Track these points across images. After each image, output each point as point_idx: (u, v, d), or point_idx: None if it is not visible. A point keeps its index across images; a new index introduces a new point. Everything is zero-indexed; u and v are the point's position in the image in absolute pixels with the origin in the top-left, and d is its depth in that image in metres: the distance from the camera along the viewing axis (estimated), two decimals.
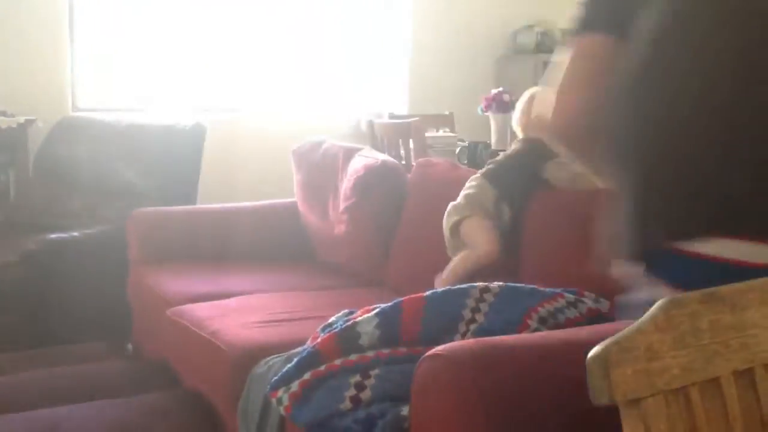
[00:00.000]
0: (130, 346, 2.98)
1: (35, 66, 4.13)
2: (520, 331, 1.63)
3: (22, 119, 3.79)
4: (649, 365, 0.85)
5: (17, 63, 4.09)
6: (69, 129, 3.78)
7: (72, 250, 3.07)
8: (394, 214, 2.80)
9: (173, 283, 2.73)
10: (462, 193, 2.28)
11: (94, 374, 2.48)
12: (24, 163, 3.84)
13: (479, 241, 2.17)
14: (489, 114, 3.57)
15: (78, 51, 4.38)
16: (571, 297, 1.72)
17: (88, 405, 2.22)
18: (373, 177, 2.87)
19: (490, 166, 2.28)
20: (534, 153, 2.15)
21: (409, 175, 2.89)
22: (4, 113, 3.82)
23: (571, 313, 1.67)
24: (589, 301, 1.73)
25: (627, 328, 0.87)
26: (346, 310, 1.96)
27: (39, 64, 4.15)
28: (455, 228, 2.25)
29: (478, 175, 2.29)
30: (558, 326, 1.64)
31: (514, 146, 2.35)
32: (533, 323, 1.64)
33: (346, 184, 2.97)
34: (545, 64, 5.09)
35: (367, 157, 2.98)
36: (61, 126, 3.81)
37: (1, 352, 2.77)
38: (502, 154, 2.33)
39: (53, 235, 3.10)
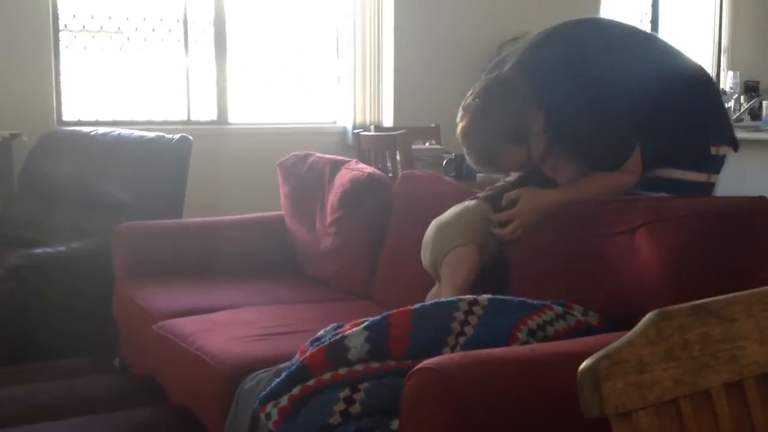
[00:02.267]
0: (116, 361, 2.95)
1: (20, 80, 4.12)
2: (509, 344, 1.63)
3: (6, 133, 3.78)
4: (640, 378, 0.86)
5: (1, 78, 4.07)
6: (54, 143, 3.76)
7: (57, 265, 3.05)
8: (381, 226, 2.80)
9: (159, 297, 2.71)
10: (457, 216, 2.19)
11: (80, 390, 2.45)
12: (8, 178, 3.82)
13: (460, 274, 2.09)
14: None
15: (62, 65, 4.37)
16: (560, 309, 1.72)
17: (73, 421, 2.20)
18: (360, 190, 2.87)
19: (490, 192, 2.23)
20: (535, 178, 2.16)
21: (396, 188, 2.89)
22: None
23: (560, 326, 1.68)
24: (577, 314, 1.73)
25: (617, 341, 0.87)
26: (335, 324, 1.95)
27: (23, 79, 4.14)
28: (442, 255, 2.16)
29: (478, 199, 2.21)
30: (547, 339, 1.64)
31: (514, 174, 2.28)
32: (522, 336, 1.64)
33: (332, 197, 2.96)
34: None
35: (354, 169, 2.98)
36: (46, 140, 3.79)
37: None
38: (501, 180, 2.29)
39: (38, 250, 3.07)
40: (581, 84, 2.02)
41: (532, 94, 2.04)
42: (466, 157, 2.16)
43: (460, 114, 2.12)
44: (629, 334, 0.88)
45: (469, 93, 2.12)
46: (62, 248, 3.12)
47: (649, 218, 1.78)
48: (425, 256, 2.24)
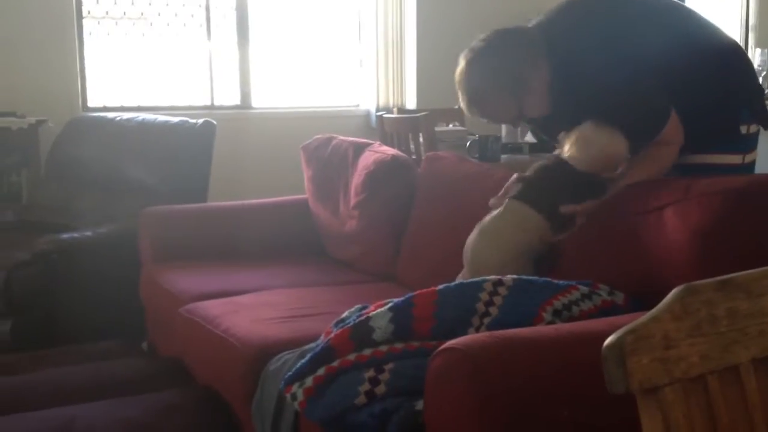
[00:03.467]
0: (144, 344, 2.98)
1: (45, 67, 4.15)
2: (534, 324, 1.62)
3: (33, 120, 3.81)
4: (666, 353, 0.85)
5: (27, 65, 4.11)
6: (80, 129, 3.79)
7: (85, 250, 3.08)
8: (405, 209, 2.80)
9: (185, 280, 2.73)
10: (500, 229, 1.99)
11: (109, 372, 2.49)
12: (36, 164, 3.86)
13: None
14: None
15: (86, 52, 4.40)
16: (585, 289, 1.71)
17: (103, 403, 2.23)
18: (383, 172, 2.86)
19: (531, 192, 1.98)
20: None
21: (420, 170, 2.88)
22: (14, 114, 3.83)
23: (586, 305, 1.66)
24: (603, 293, 1.72)
25: (643, 316, 0.86)
26: (359, 306, 1.95)
27: (49, 66, 4.17)
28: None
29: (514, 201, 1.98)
30: (572, 319, 1.63)
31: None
32: (548, 316, 1.63)
33: (356, 180, 2.96)
34: None
35: (378, 152, 2.98)
36: (72, 126, 3.82)
37: (16, 352, 2.78)
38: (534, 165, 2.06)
39: (66, 235, 3.11)
40: (606, 47, 1.93)
41: (544, 49, 1.96)
42: (460, 100, 2.09)
43: (463, 54, 2.06)
44: (655, 309, 0.87)
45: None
46: (89, 233, 3.15)
47: (678, 197, 1.75)
48: (467, 260, 2.07)
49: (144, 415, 2.13)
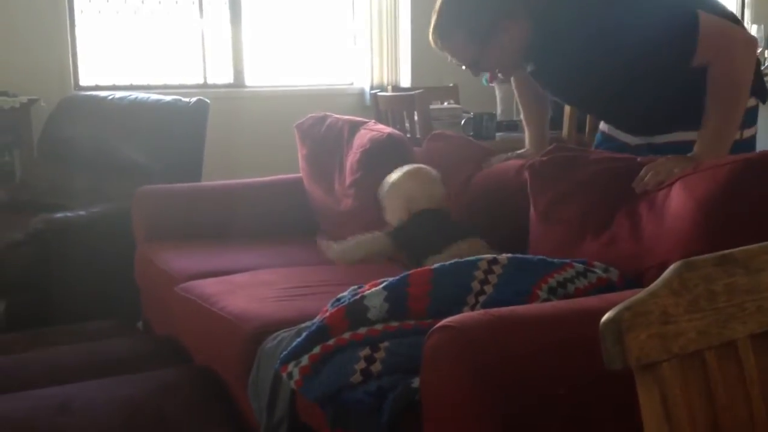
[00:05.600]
0: (140, 324, 2.98)
1: (36, 46, 4.11)
2: (529, 302, 1.62)
3: (24, 99, 3.79)
4: (664, 329, 0.84)
5: (18, 43, 4.07)
6: (72, 108, 3.77)
7: (78, 229, 3.07)
8: None
9: (180, 260, 2.73)
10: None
11: (105, 351, 2.49)
12: (28, 143, 3.84)
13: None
14: (494, 85, 3.54)
15: (78, 29, 4.36)
16: (580, 267, 1.71)
17: (98, 382, 2.23)
18: (379, 150, 2.85)
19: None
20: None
21: (418, 149, 2.86)
22: (6, 93, 3.80)
23: (581, 283, 1.66)
24: (598, 271, 1.72)
25: (641, 292, 0.86)
26: (355, 286, 1.95)
27: (40, 44, 4.13)
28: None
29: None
30: (568, 296, 1.63)
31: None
32: (543, 293, 1.63)
33: (351, 158, 2.95)
34: None
35: (373, 130, 2.96)
36: (64, 105, 3.79)
37: (11, 331, 2.78)
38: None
39: (59, 214, 3.09)
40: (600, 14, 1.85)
41: (525, 6, 1.93)
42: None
43: None
44: (652, 285, 0.86)
45: None
46: (83, 212, 3.14)
47: (687, 172, 1.74)
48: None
49: (141, 393, 2.13)
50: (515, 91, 2.46)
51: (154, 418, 2.03)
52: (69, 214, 3.11)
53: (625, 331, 0.82)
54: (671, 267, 0.87)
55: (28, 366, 2.36)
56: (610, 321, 0.83)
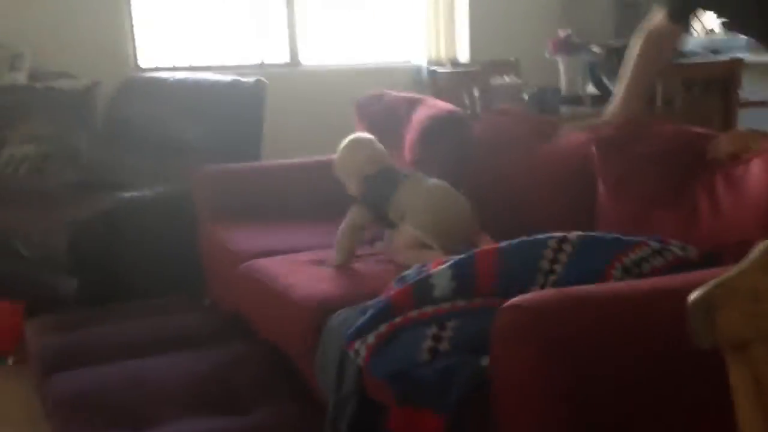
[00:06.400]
0: (206, 300, 3.03)
1: (97, 29, 4.18)
2: (603, 282, 1.59)
3: (88, 81, 3.85)
4: (755, 308, 0.82)
5: (80, 25, 4.14)
6: (133, 89, 3.83)
7: (144, 208, 3.13)
8: (461, 164, 2.76)
9: (242, 238, 2.76)
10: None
11: (173, 327, 2.54)
12: (92, 124, 3.91)
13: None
14: (557, 57, 3.47)
15: (138, 11, 4.41)
16: (656, 245, 1.65)
17: (168, 356, 2.28)
18: (438, 127, 2.83)
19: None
20: None
21: (476, 124, 2.84)
22: (69, 75, 3.88)
23: (657, 262, 1.61)
24: (675, 249, 1.66)
25: (730, 270, 0.83)
26: (419, 264, 1.94)
27: (100, 27, 4.20)
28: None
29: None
30: (643, 276, 1.59)
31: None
32: (617, 273, 1.59)
33: (410, 136, 2.93)
34: (616, 2, 4.91)
35: (432, 107, 2.94)
36: (126, 86, 3.86)
37: (83, 308, 2.85)
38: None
39: (126, 194, 3.16)
40: None
41: None
42: None
43: None
44: (742, 263, 0.84)
45: None
46: (148, 192, 3.20)
47: (765, 147, 1.68)
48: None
49: (210, 368, 2.17)
50: (639, 41, 2.34)
51: (224, 392, 2.07)
52: (135, 193, 3.17)
53: (716, 309, 0.80)
54: (762, 244, 0.85)
55: (100, 341, 2.42)
56: (700, 299, 0.81)
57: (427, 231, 2.34)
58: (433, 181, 2.51)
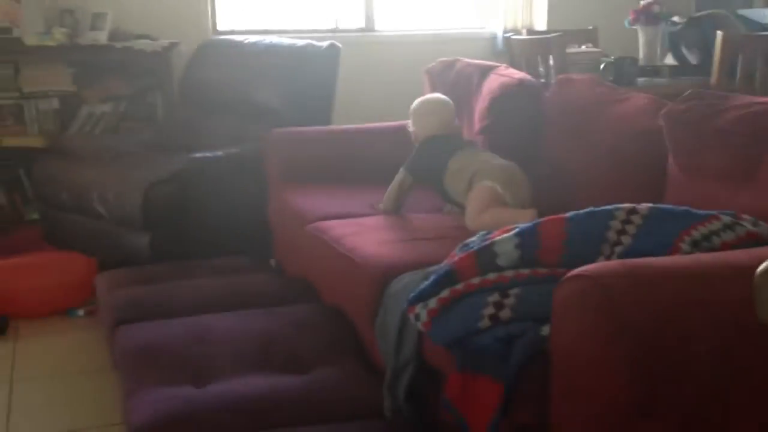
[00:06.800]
0: (273, 261, 3.08)
1: None
2: (670, 255, 1.55)
3: (166, 42, 3.92)
4: None
5: None
6: (209, 52, 3.87)
7: (216, 169, 3.18)
8: (532, 134, 2.72)
9: (310, 200, 2.79)
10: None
11: (240, 286, 2.58)
12: (169, 86, 3.99)
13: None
14: (637, 27, 3.36)
15: None
16: (727, 219, 1.60)
17: (235, 314, 2.33)
18: (509, 96, 2.78)
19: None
20: None
21: (547, 93, 2.78)
22: (148, 37, 3.95)
23: (728, 237, 1.56)
24: (747, 224, 1.61)
25: None
26: (483, 231, 1.93)
27: None
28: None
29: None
30: (713, 250, 1.54)
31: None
32: (685, 246, 1.54)
33: (481, 104, 2.90)
34: None
35: (504, 75, 2.89)
36: (203, 49, 3.91)
37: (155, 263, 2.93)
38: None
39: (198, 155, 3.21)
40: None
41: None
42: None
43: None
44: None
45: None
46: (220, 153, 3.25)
47: None
48: None
49: (275, 327, 2.21)
50: None
51: (287, 351, 2.10)
52: (208, 154, 3.22)
53: None
54: None
55: (168, 296, 2.49)
56: (765, 273, 0.77)
57: (505, 184, 2.41)
58: (491, 154, 2.63)
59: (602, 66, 3.31)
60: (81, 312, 3.00)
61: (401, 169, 2.67)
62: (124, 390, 1.97)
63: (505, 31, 4.68)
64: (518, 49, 3.79)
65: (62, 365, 2.58)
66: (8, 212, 3.84)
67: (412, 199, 2.76)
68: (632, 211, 1.65)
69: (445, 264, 1.81)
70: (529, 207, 2.37)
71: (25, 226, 3.72)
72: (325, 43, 3.59)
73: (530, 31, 4.49)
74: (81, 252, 3.14)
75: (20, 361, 2.61)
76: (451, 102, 2.80)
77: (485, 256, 1.72)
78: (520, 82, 2.80)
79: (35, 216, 3.65)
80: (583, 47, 3.87)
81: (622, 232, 1.63)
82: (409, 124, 2.79)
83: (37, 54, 3.71)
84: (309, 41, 3.66)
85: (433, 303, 1.71)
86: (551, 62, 3.46)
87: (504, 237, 1.74)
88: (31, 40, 3.68)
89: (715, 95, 2.06)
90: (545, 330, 1.48)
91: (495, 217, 2.28)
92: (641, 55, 3.39)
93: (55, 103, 3.86)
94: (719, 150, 1.89)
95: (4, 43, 3.67)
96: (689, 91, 2.06)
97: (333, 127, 3.51)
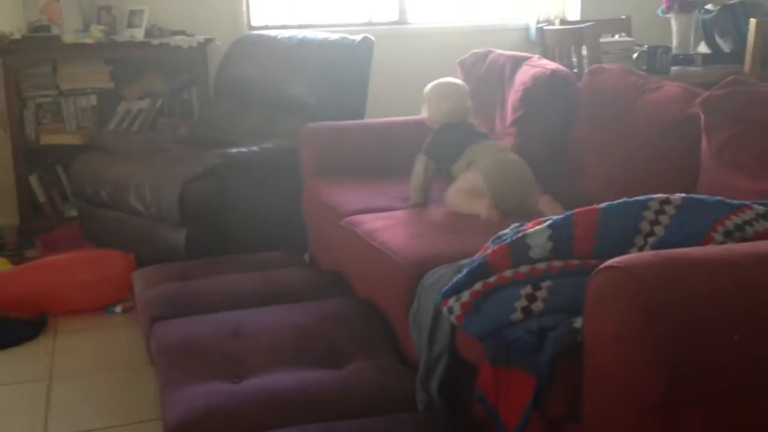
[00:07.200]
0: (306, 256, 3.10)
1: None
2: (703, 245, 1.53)
3: (202, 38, 3.96)
4: None
5: None
6: (244, 47, 3.91)
7: (251, 164, 3.20)
8: (565, 125, 2.70)
9: (344, 194, 2.80)
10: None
11: (275, 280, 2.60)
12: (204, 82, 4.03)
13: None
14: (670, 16, 3.32)
15: None
16: (761, 209, 1.58)
17: (270, 308, 2.35)
18: (542, 87, 2.77)
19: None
20: None
21: (580, 84, 2.76)
22: (184, 33, 3.99)
23: (762, 226, 1.54)
24: None
25: None
26: (516, 224, 1.92)
27: None
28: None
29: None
30: (746, 240, 1.52)
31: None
32: (718, 236, 1.53)
33: (513, 96, 2.89)
34: None
35: (536, 66, 2.88)
36: (237, 45, 3.94)
37: (190, 258, 2.97)
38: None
39: (234, 150, 3.24)
40: None
41: None
42: None
43: None
44: None
45: None
46: (255, 148, 3.27)
47: None
48: None
49: (309, 321, 2.23)
50: None
51: (322, 344, 2.12)
52: (243, 149, 3.25)
53: None
54: None
55: (206, 291, 2.51)
56: None
57: (490, 181, 2.46)
58: (503, 146, 2.70)
59: (635, 55, 3.27)
60: (118, 309, 3.03)
61: (420, 156, 2.70)
62: (160, 386, 1.99)
63: (539, 22, 4.65)
64: (551, 40, 3.76)
65: (100, 362, 2.61)
66: (48, 209, 3.92)
67: (438, 194, 2.77)
68: (665, 202, 1.64)
69: (477, 257, 1.81)
70: (522, 202, 2.45)
71: (65, 223, 3.79)
72: (358, 37, 3.60)
73: (563, 22, 4.45)
74: (119, 248, 3.19)
75: (59, 358, 2.65)
76: (464, 84, 2.83)
77: (518, 249, 1.72)
78: (553, 73, 2.79)
79: (74, 213, 3.71)
80: (616, 37, 3.84)
81: (655, 222, 1.62)
82: (423, 108, 2.81)
83: (75, 51, 3.77)
84: (342, 35, 3.67)
85: (466, 296, 1.72)
86: (584, 52, 3.43)
87: (537, 229, 1.74)
88: (69, 38, 3.74)
89: (754, 83, 2.03)
90: (578, 322, 1.48)
91: (467, 203, 2.47)
92: (674, 43, 3.34)
93: (93, 100, 3.92)
94: (757, 138, 1.86)
95: (43, 41, 3.74)
96: (729, 77, 2.03)
97: (367, 120, 3.52)
